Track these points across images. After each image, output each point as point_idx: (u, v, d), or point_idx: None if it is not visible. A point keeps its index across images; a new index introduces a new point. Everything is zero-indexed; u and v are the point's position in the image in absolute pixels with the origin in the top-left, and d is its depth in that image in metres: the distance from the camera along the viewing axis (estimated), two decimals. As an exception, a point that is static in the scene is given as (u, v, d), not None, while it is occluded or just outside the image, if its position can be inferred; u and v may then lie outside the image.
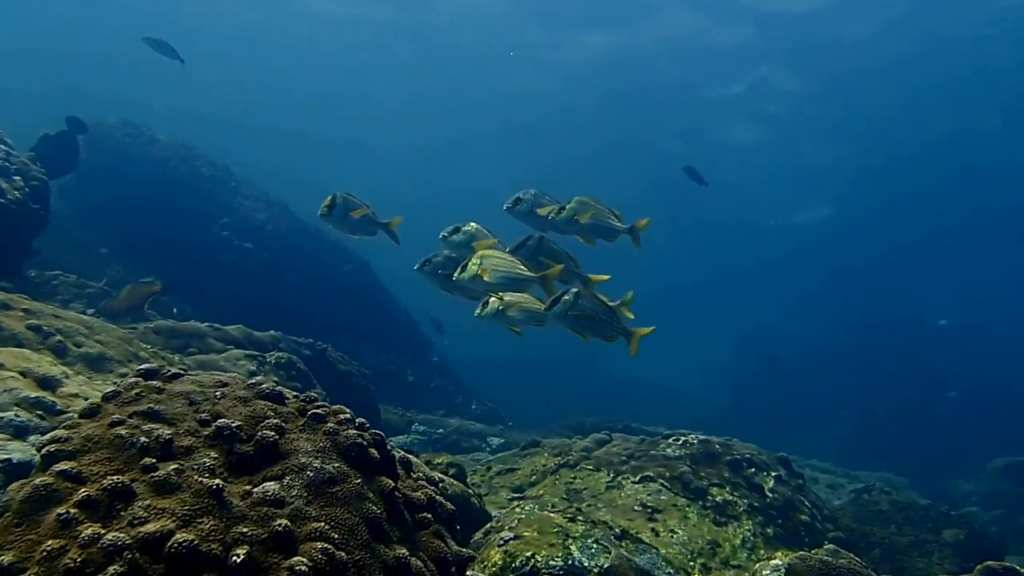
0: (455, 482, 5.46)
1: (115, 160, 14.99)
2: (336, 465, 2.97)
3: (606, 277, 5.35)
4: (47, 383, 4.71)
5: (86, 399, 4.65)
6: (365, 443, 3.12)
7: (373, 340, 14.63)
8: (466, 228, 5.31)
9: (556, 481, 6.83)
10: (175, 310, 12.29)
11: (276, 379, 7.89)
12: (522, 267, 4.96)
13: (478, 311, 4.94)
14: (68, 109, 11.93)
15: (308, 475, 2.88)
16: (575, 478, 6.78)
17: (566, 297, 4.92)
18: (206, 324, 8.68)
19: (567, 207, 5.29)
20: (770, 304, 39.77)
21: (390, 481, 3.11)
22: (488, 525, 5.22)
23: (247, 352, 7.92)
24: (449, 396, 15.33)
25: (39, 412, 4.39)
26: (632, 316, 5.26)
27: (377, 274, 16.29)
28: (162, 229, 14.42)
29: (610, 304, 5.16)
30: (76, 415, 3.00)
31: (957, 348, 25.00)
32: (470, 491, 5.63)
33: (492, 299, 4.83)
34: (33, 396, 4.47)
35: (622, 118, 29.44)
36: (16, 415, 4.29)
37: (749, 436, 7.93)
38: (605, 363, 32.47)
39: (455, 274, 5.02)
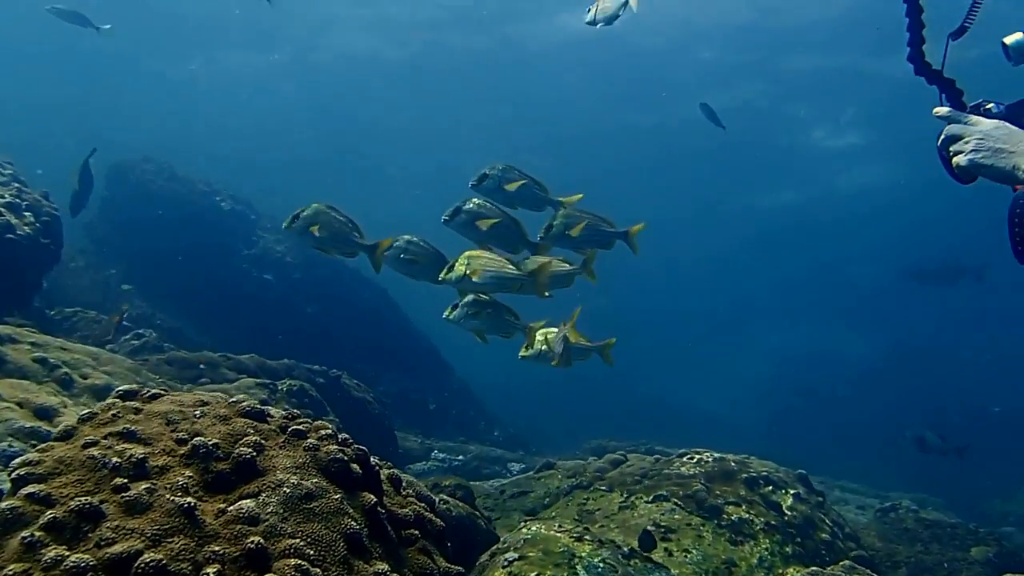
0: (460, 503, 5.36)
1: (137, 196, 15.26)
2: (315, 481, 2.91)
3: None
4: (44, 413, 4.70)
5: (84, 427, 4.64)
6: (346, 458, 3.05)
7: (393, 367, 14.59)
8: (467, 207, 5.12)
9: (569, 503, 6.69)
10: (159, 321, 12.56)
11: (287, 407, 7.86)
12: (511, 267, 4.88)
13: (447, 313, 4.90)
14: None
15: (285, 491, 2.81)
16: (588, 499, 6.63)
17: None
18: (219, 354, 8.70)
19: (555, 223, 5.14)
20: (811, 326, 39.13)
21: (372, 496, 3.03)
22: (494, 547, 5.11)
23: (259, 381, 7.91)
24: (471, 422, 15.20)
25: (33, 442, 4.38)
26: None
27: (397, 301, 16.30)
28: (183, 264, 14.59)
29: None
30: (53, 438, 2.98)
31: (999, 372, 24.44)
32: (477, 513, 5.53)
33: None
34: (28, 426, 4.47)
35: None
36: (10, 445, 4.28)
37: (783, 459, 7.73)
38: (639, 386, 32.22)
39: (442, 274, 4.94)
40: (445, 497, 5.19)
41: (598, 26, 5.47)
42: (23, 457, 2.82)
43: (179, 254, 14.67)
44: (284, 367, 8.99)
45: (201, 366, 8.14)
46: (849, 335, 37.40)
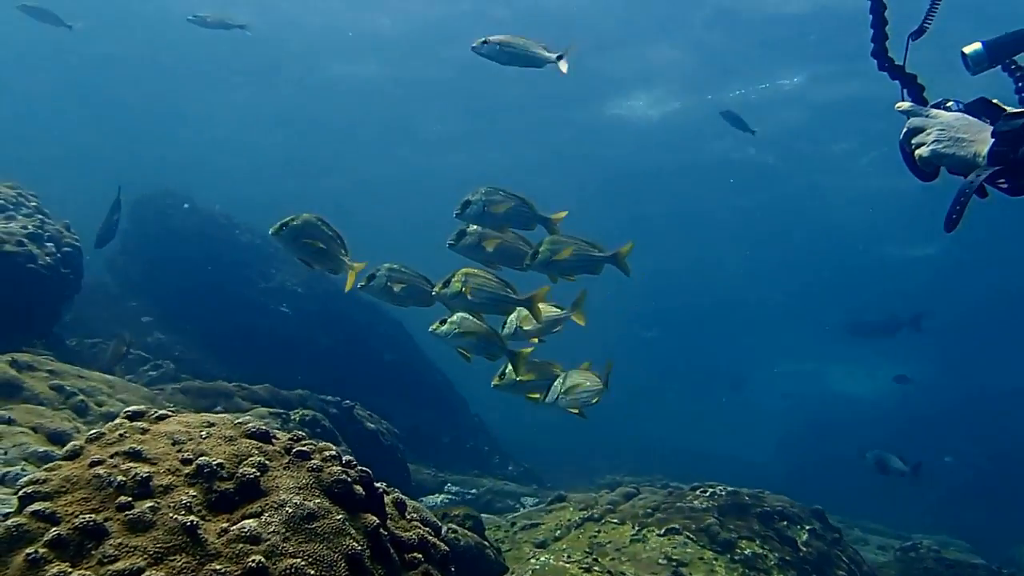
0: (469, 533, 5.32)
1: (157, 230, 15.50)
2: (318, 501, 2.92)
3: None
4: (57, 438, 4.75)
5: (96, 451, 4.68)
6: (350, 479, 3.06)
7: (407, 400, 14.58)
8: (471, 230, 5.01)
9: (580, 535, 6.61)
10: (177, 352, 12.62)
11: (300, 437, 7.87)
12: (509, 290, 4.87)
13: (434, 327, 4.88)
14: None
15: (287, 511, 2.82)
16: (599, 531, 6.56)
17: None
18: (233, 384, 8.76)
19: (540, 250, 4.95)
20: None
21: (375, 518, 3.03)
22: (502, 578, 5.06)
23: (272, 410, 7.93)
24: (485, 457, 15.12)
25: (46, 467, 4.42)
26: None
27: (412, 333, 16.34)
28: (202, 296, 14.76)
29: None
30: (60, 457, 3.01)
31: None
32: (486, 543, 5.49)
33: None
34: (41, 450, 4.51)
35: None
36: (23, 469, 4.32)
37: (800, 498, 7.59)
38: (656, 430, 31.88)
39: (436, 288, 4.91)
40: (454, 527, 5.16)
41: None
42: (30, 475, 2.86)
43: (198, 287, 14.85)
44: (298, 397, 9.02)
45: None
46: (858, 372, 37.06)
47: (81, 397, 6.28)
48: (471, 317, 5.00)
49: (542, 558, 4.85)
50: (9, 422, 4.88)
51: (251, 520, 2.77)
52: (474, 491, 11.69)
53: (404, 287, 5.20)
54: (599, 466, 17.38)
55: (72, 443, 3.08)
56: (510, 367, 5.22)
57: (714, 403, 38.82)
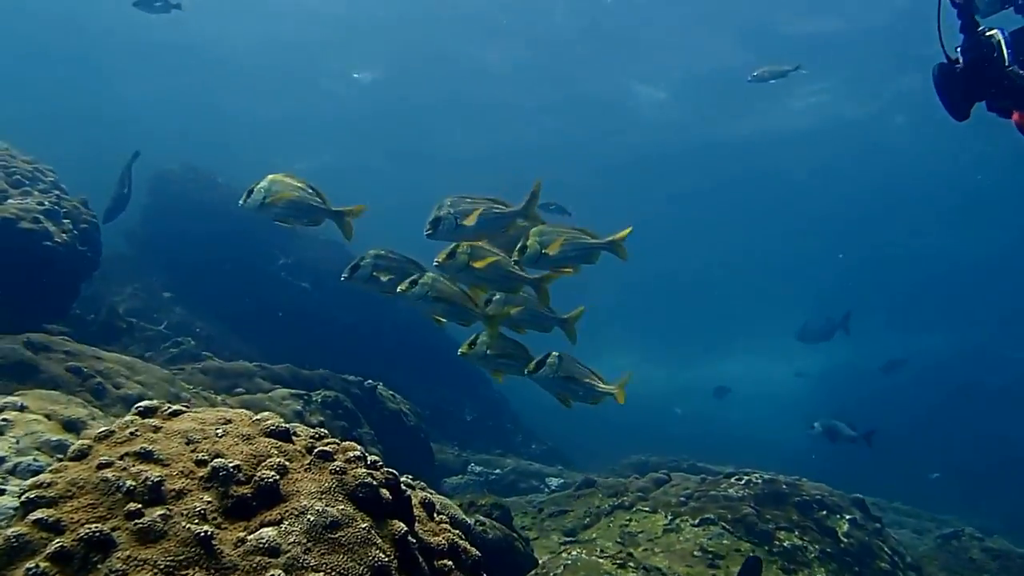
0: (497, 525, 5.11)
1: (177, 205, 15.35)
2: (341, 508, 2.69)
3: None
4: (71, 426, 4.58)
5: (111, 440, 4.50)
6: (375, 483, 2.84)
7: (429, 378, 14.42)
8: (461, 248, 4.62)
9: (610, 524, 6.41)
10: (198, 329, 12.50)
11: (322, 418, 7.72)
12: (516, 268, 4.57)
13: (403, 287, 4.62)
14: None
15: (309, 519, 2.60)
16: (630, 520, 6.34)
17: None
18: (254, 364, 8.60)
19: (528, 244, 4.52)
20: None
21: (402, 525, 2.81)
22: (533, 572, 4.86)
23: (293, 391, 7.77)
24: (508, 435, 14.96)
25: (59, 456, 4.24)
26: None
27: (433, 311, 16.11)
28: (222, 272, 14.63)
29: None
30: (67, 458, 2.81)
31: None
32: (514, 535, 5.28)
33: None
34: (55, 439, 4.34)
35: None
36: (35, 459, 4.16)
37: (827, 478, 7.34)
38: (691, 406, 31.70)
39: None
40: (481, 518, 4.96)
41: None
42: (34, 479, 2.66)
43: (218, 262, 14.71)
44: (319, 377, 8.85)
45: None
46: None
47: (98, 379, 6.13)
48: (443, 279, 4.69)
49: (574, 552, 4.63)
50: (22, 409, 4.71)
51: (270, 529, 2.56)
52: (498, 471, 11.52)
53: (393, 277, 4.91)
54: (623, 444, 17.17)
55: (80, 442, 2.88)
56: (484, 335, 4.83)
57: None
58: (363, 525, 2.66)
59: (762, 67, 12.04)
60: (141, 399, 6.32)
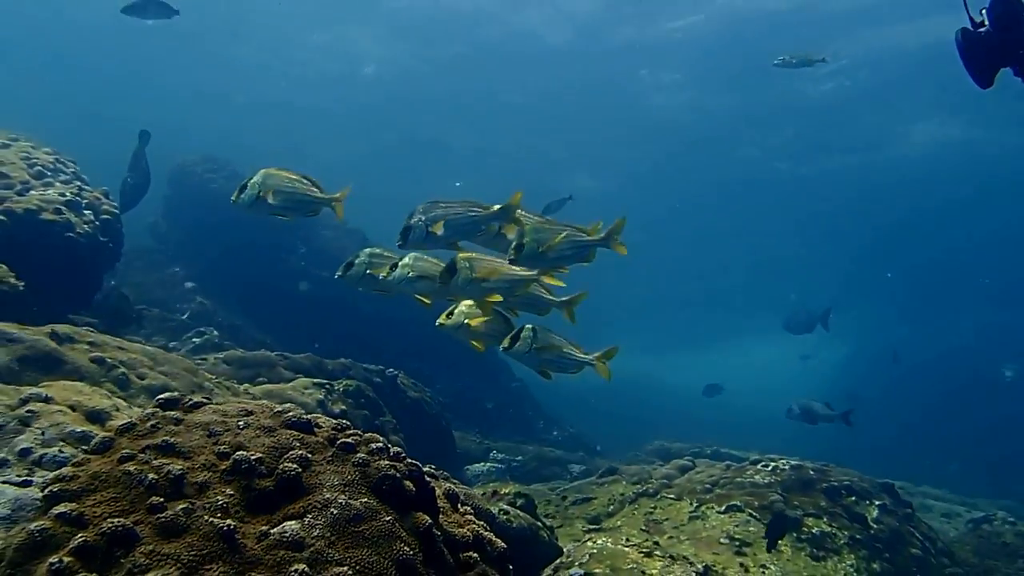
0: (522, 514, 5.07)
1: (197, 195, 15.40)
2: (364, 500, 2.65)
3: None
4: (96, 417, 4.58)
5: (135, 431, 4.51)
6: (399, 475, 2.80)
7: (450, 366, 14.40)
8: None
9: (635, 511, 6.35)
10: (220, 319, 12.54)
11: (344, 407, 7.72)
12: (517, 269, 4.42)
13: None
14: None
15: (332, 512, 2.57)
16: (655, 508, 6.28)
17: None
18: (276, 353, 8.61)
19: (525, 242, 4.23)
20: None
21: (427, 517, 2.77)
22: (557, 561, 4.82)
23: (315, 381, 7.76)
24: (529, 422, 14.92)
25: (84, 447, 4.26)
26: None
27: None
28: (242, 262, 14.68)
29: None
30: (89, 451, 2.80)
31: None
32: (539, 523, 5.24)
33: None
34: (79, 430, 4.34)
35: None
36: (60, 451, 4.16)
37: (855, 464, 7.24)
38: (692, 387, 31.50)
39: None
40: (505, 507, 4.91)
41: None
42: (56, 472, 2.64)
43: (239, 252, 14.75)
44: (341, 367, 8.85)
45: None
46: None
47: (122, 370, 6.15)
48: (426, 258, 4.57)
49: (599, 541, 4.58)
50: (47, 400, 4.72)
51: (293, 522, 2.52)
52: (520, 458, 11.50)
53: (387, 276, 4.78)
54: (645, 430, 17.10)
55: (102, 434, 2.86)
56: (464, 306, 4.69)
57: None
58: (387, 518, 2.62)
59: (789, 53, 12.00)
60: (164, 389, 6.36)
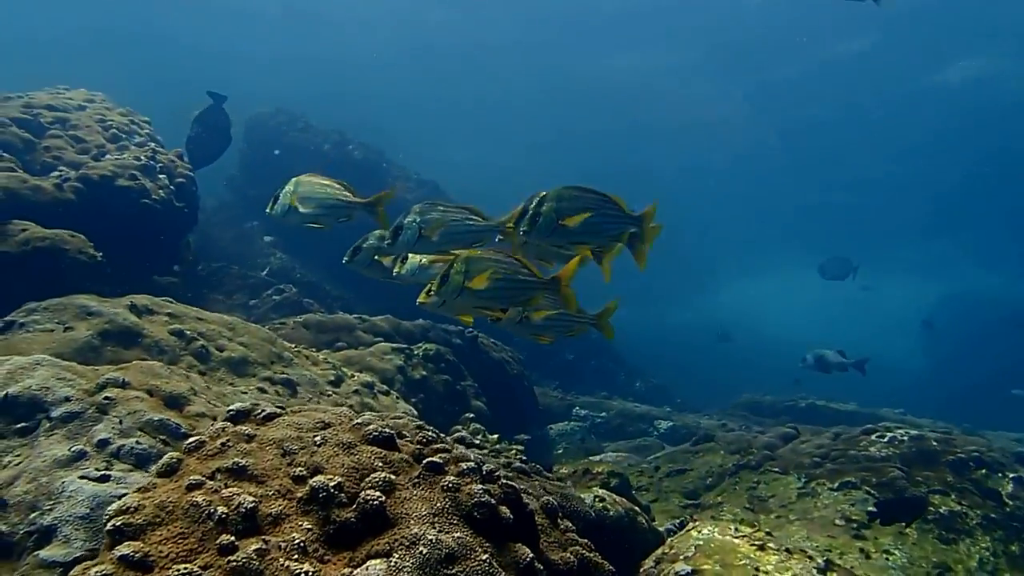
0: (618, 499, 4.73)
1: (272, 148, 15.31)
2: (457, 535, 2.32)
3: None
4: (173, 402, 4.41)
5: (213, 418, 4.33)
6: (493, 500, 2.45)
7: (530, 317, 14.09)
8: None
9: (736, 485, 5.93)
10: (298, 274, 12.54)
11: (424, 373, 7.49)
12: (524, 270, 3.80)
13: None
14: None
15: (421, 552, 2.25)
16: (759, 482, 5.85)
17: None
18: (354, 316, 8.42)
19: (543, 209, 3.53)
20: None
21: (527, 550, 2.42)
22: (659, 551, 4.46)
23: (394, 346, 7.54)
24: (611, 375, 14.56)
25: (162, 437, 4.09)
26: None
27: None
28: (319, 214, 14.58)
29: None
30: (155, 473, 2.55)
31: None
32: (636, 508, 4.89)
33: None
34: (157, 419, 4.17)
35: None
36: (138, 442, 3.99)
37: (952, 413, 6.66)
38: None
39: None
40: (600, 493, 4.58)
41: None
42: (121, 502, 2.40)
43: (315, 205, 14.63)
44: (420, 328, 8.61)
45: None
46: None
47: (201, 342, 6.03)
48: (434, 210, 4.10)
49: (704, 530, 4.20)
50: (124, 385, 4.56)
51: (378, 562, 2.22)
52: (604, 414, 11.17)
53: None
54: (729, 380, 16.55)
55: (169, 455, 2.61)
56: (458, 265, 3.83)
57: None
58: (483, 557, 2.28)
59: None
60: (244, 361, 6.22)
